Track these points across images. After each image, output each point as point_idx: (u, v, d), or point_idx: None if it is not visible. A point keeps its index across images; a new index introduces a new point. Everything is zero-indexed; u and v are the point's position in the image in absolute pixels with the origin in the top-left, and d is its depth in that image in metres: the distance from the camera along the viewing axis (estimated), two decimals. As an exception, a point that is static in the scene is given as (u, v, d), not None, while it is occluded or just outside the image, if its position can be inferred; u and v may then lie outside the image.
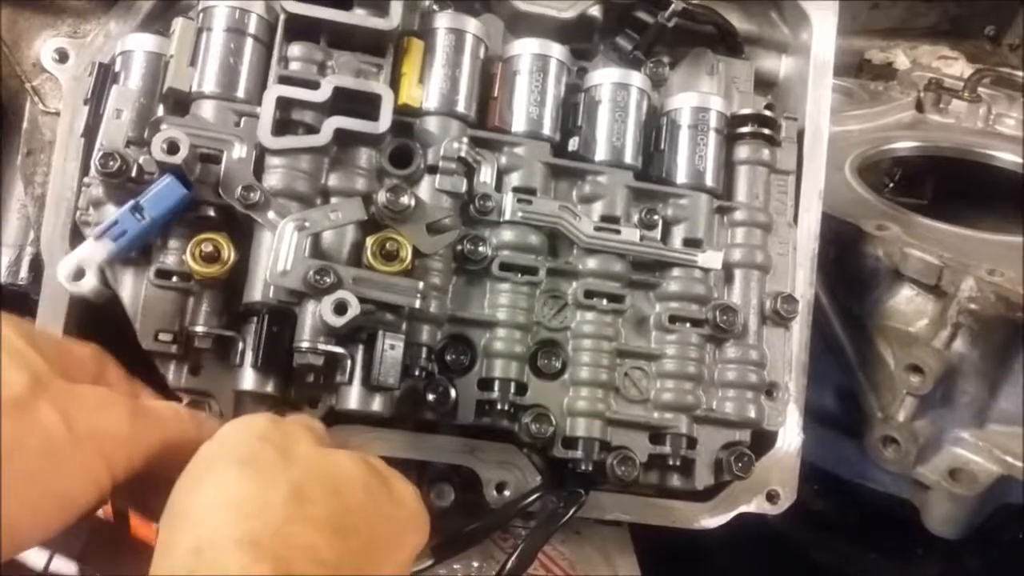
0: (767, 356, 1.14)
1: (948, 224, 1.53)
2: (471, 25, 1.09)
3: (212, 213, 0.98)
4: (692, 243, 1.13)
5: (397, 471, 0.82)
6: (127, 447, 0.72)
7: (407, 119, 1.06)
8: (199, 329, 0.98)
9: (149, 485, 0.72)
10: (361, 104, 1.01)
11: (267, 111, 0.98)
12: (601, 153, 1.12)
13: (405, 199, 0.98)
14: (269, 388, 0.99)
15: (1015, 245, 1.47)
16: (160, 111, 1.03)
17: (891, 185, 1.97)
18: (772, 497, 1.15)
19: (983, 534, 1.48)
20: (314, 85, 1.00)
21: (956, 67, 2.21)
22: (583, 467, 1.06)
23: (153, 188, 0.94)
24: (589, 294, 1.09)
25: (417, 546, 0.79)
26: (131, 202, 0.94)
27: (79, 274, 0.95)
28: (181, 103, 1.02)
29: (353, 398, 0.98)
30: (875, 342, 1.43)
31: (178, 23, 1.03)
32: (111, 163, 0.93)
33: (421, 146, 1.05)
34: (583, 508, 1.06)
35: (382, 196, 0.98)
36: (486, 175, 1.07)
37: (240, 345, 0.99)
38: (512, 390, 1.05)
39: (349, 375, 0.97)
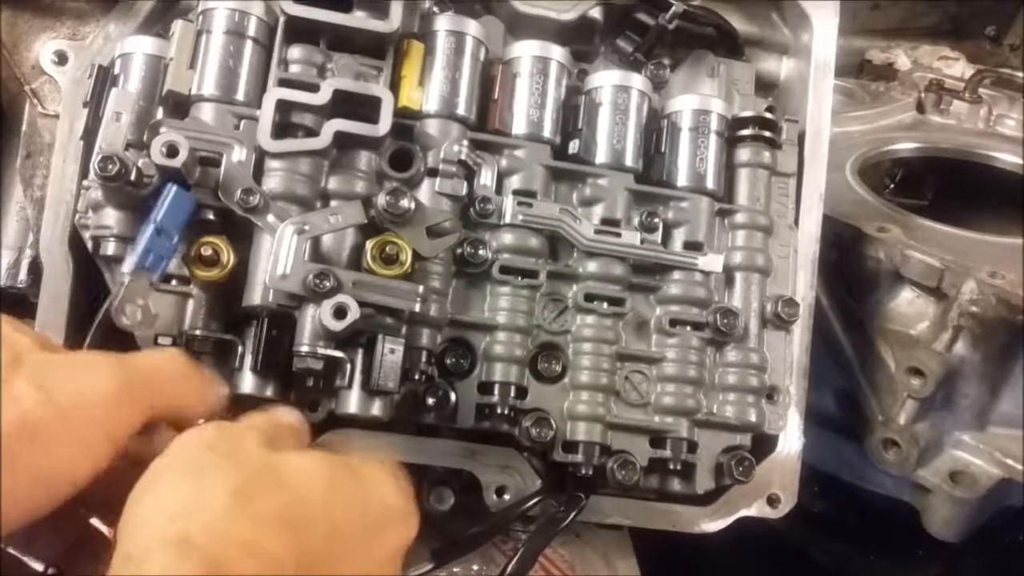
0: (768, 359, 1.14)
1: (949, 226, 1.53)
2: (471, 27, 1.09)
3: (211, 216, 0.98)
4: (693, 246, 1.12)
5: (381, 465, 0.80)
6: (119, 407, 0.70)
7: (407, 122, 1.05)
8: (198, 332, 0.98)
9: (123, 483, 0.71)
10: (361, 107, 1.01)
11: (267, 114, 0.98)
12: (601, 156, 1.11)
13: (405, 202, 0.98)
14: (268, 392, 0.98)
15: (1016, 247, 1.47)
16: (159, 114, 1.03)
17: (892, 186, 1.97)
18: (773, 501, 1.15)
19: (983, 537, 1.47)
20: (314, 88, 1.00)
21: (957, 68, 2.21)
22: (583, 471, 1.05)
23: (163, 205, 0.93)
24: (589, 297, 1.08)
25: (400, 541, 0.77)
26: (151, 226, 0.92)
27: (122, 310, 0.95)
28: (180, 106, 1.02)
29: (353, 402, 0.98)
30: (876, 344, 1.43)
31: (177, 25, 1.03)
32: (110, 166, 0.93)
33: (421, 149, 1.05)
34: (583, 512, 1.06)
35: (382, 199, 0.98)
36: (486, 178, 1.07)
37: (239, 349, 0.98)
38: (512, 394, 1.04)
39: (349, 379, 0.97)
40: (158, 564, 0.61)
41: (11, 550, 0.76)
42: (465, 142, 1.06)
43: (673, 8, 1.17)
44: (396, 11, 1.03)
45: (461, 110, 1.07)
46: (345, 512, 0.72)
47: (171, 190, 0.93)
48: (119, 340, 0.96)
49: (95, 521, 0.80)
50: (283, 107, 0.99)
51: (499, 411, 1.04)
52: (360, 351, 0.97)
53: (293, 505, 0.68)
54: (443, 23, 1.08)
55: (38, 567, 0.80)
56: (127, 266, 0.93)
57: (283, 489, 0.69)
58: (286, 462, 0.73)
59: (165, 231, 0.92)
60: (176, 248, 0.95)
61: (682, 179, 1.13)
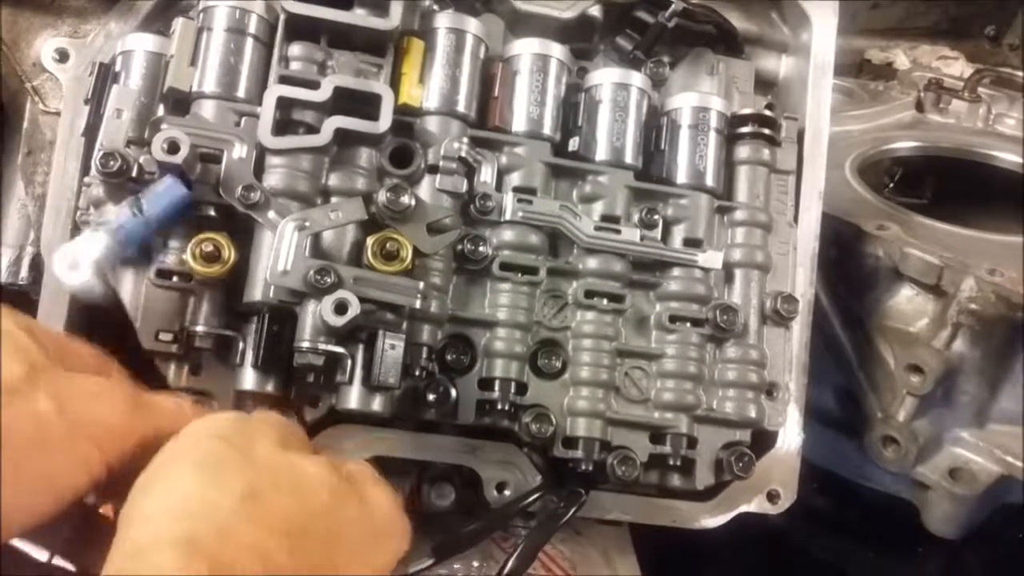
0: (767, 356, 1.14)
1: (948, 224, 1.53)
2: (471, 25, 1.10)
3: (212, 213, 0.98)
4: (692, 243, 1.13)
5: (375, 476, 0.81)
6: (121, 435, 0.72)
7: (407, 119, 1.06)
8: (199, 329, 0.99)
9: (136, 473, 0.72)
10: (361, 104, 1.01)
11: (267, 111, 0.98)
12: (601, 153, 1.12)
13: (405, 199, 0.98)
14: (269, 388, 0.99)
15: (1015, 245, 1.47)
16: (160, 111, 1.03)
17: (891, 185, 1.97)
18: (772, 497, 1.15)
19: (983, 534, 1.48)
20: (314, 85, 1.00)
21: (956, 67, 2.21)
22: (583, 467, 1.06)
23: (154, 187, 0.94)
24: (589, 294, 1.09)
25: (394, 555, 0.78)
26: (130, 199, 0.93)
27: (73, 266, 0.94)
28: (181, 103, 1.02)
29: (353, 398, 0.98)
30: (875, 342, 1.43)
31: (178, 23, 1.03)
32: (111, 163, 0.93)
33: (421, 146, 1.05)
34: (583, 508, 1.06)
35: (382, 196, 0.98)
36: (486, 175, 1.07)
37: (240, 345, 0.99)
38: (512, 390, 1.05)
39: (349, 375, 0.97)
40: (166, 562, 0.61)
41: (14, 541, 0.77)
42: (465, 139, 1.07)
43: (673, 6, 1.17)
44: (396, 9, 1.03)
45: (461, 107, 1.08)
46: (346, 524, 0.73)
47: (166, 178, 0.93)
48: (117, 334, 0.97)
49: (101, 510, 0.81)
50: (284, 104, 0.99)
51: (499, 407, 1.04)
52: (361, 347, 0.97)
53: (300, 513, 0.69)
54: (443, 21, 1.09)
55: (42, 556, 0.80)
56: (91, 226, 0.93)
57: (292, 496, 0.70)
58: (297, 466, 0.73)
59: (140, 209, 0.92)
60: (146, 232, 0.94)
61: (682, 176, 1.14)
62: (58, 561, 0.82)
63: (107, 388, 0.74)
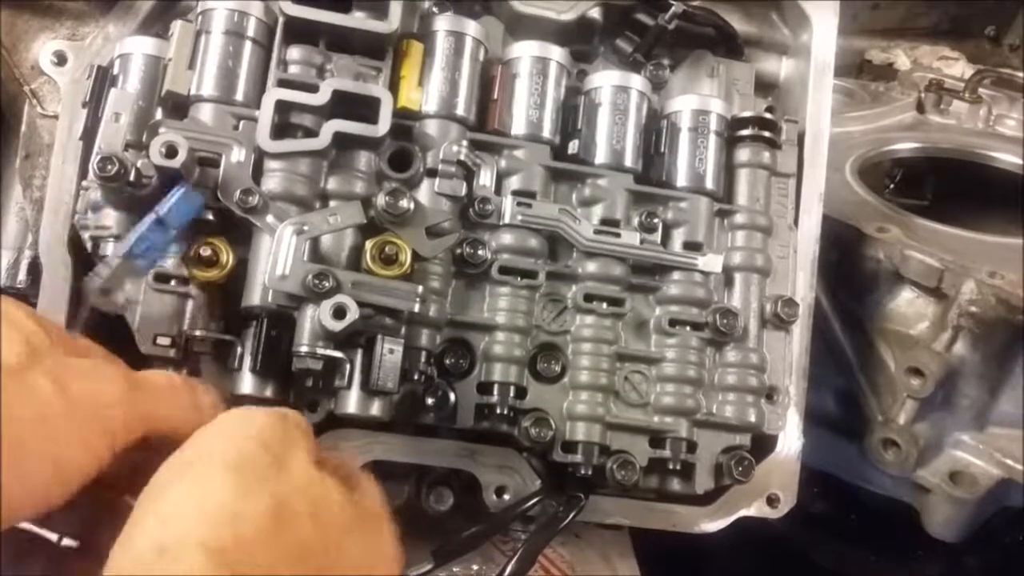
0: (767, 360, 1.14)
1: (949, 226, 1.53)
2: (471, 28, 1.09)
3: (211, 217, 0.98)
4: (692, 246, 1.12)
5: (384, 507, 0.81)
6: (124, 414, 0.71)
7: (406, 122, 1.05)
8: (197, 333, 0.98)
9: (144, 460, 0.71)
10: (360, 107, 1.01)
11: (266, 114, 0.98)
12: (601, 156, 1.11)
13: (404, 202, 0.98)
14: (268, 392, 0.98)
15: (1016, 247, 1.47)
16: (159, 114, 1.03)
17: (891, 186, 1.97)
18: (772, 501, 1.15)
19: (983, 537, 1.47)
20: (313, 88, 1.00)
21: (957, 68, 2.21)
22: (583, 471, 1.05)
23: (170, 199, 0.93)
24: (589, 297, 1.08)
25: None
26: (152, 216, 0.93)
27: (105, 291, 0.95)
28: (180, 106, 1.02)
29: (352, 402, 0.98)
30: (875, 345, 1.43)
31: (177, 26, 1.03)
32: (109, 167, 0.93)
33: (420, 149, 1.05)
34: (583, 512, 1.06)
35: (381, 199, 0.98)
36: (485, 178, 1.07)
37: (239, 349, 0.98)
38: (511, 394, 1.04)
39: (348, 379, 0.97)
40: (194, 565, 0.61)
41: (24, 524, 0.76)
42: (464, 142, 1.06)
43: (672, 8, 1.17)
44: (395, 12, 1.03)
45: (460, 110, 1.07)
46: (356, 558, 0.73)
47: (179, 188, 0.93)
48: (114, 338, 0.96)
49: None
50: (282, 107, 0.99)
51: (498, 411, 1.04)
52: (359, 351, 0.97)
53: (320, 540, 0.69)
54: (442, 23, 1.08)
55: (51, 537, 0.80)
56: (118, 250, 0.93)
57: (315, 522, 0.69)
58: (327, 492, 0.73)
59: (165, 224, 0.93)
60: (171, 244, 0.95)
61: (681, 179, 1.13)
62: (67, 542, 0.81)
63: (104, 369, 0.73)
